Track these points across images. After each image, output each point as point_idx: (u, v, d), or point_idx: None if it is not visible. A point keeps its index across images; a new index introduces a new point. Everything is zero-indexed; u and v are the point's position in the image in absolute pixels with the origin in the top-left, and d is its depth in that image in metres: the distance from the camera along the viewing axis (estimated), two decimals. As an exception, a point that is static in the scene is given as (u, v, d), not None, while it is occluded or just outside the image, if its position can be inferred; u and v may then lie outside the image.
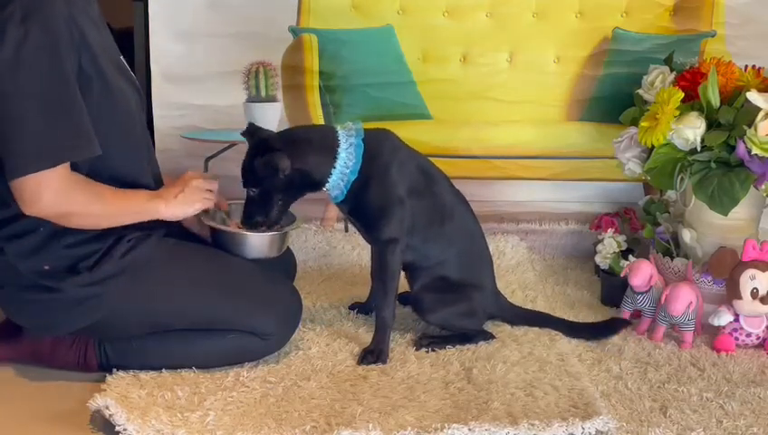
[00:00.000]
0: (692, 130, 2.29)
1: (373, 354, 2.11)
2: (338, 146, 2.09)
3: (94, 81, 1.88)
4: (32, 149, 1.80)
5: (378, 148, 2.13)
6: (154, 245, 1.99)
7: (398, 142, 2.19)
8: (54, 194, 1.83)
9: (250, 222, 2.11)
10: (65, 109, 1.82)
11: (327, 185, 2.11)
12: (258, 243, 2.14)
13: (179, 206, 2.00)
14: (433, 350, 2.17)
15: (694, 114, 2.31)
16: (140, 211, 1.97)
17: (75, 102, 1.83)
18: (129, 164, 1.99)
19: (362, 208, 2.14)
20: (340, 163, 2.08)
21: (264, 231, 2.13)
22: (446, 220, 2.22)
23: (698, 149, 2.30)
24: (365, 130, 2.14)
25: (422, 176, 2.19)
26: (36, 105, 1.79)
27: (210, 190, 2.06)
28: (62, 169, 1.83)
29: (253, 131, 2.14)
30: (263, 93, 2.74)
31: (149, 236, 1.99)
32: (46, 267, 1.92)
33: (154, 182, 2.07)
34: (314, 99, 2.77)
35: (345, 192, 2.11)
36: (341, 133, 2.12)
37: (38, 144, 1.80)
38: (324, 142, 2.11)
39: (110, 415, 1.80)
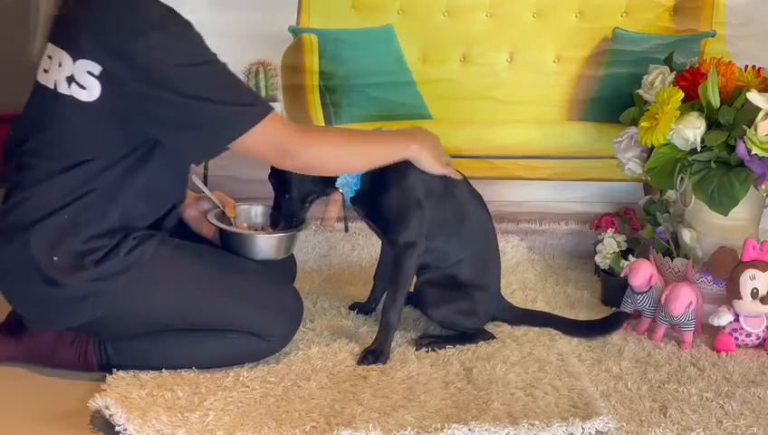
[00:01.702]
0: (692, 131, 2.29)
1: (374, 355, 2.11)
2: None
3: None
4: (244, 103, 1.90)
5: None
6: (158, 244, 1.99)
7: None
8: (290, 135, 1.92)
9: (276, 221, 2.16)
10: (232, 74, 1.94)
11: (338, 182, 2.13)
12: (267, 244, 2.15)
13: (430, 157, 2.09)
14: (433, 350, 2.17)
15: (694, 114, 2.31)
16: (389, 145, 2.06)
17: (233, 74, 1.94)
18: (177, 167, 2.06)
19: (380, 211, 2.16)
20: None
21: (271, 232, 2.15)
22: (465, 220, 2.22)
23: (698, 149, 2.31)
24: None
25: (440, 177, 2.18)
26: (215, 76, 1.90)
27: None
28: (280, 117, 1.93)
29: None
30: (263, 93, 2.74)
31: (154, 236, 2.00)
32: (55, 259, 1.91)
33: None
34: (314, 99, 2.77)
35: (354, 190, 2.13)
36: None
37: (246, 98, 1.91)
38: None
39: (110, 415, 1.80)
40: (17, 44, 3.38)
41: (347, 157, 2.03)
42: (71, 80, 1.90)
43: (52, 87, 1.92)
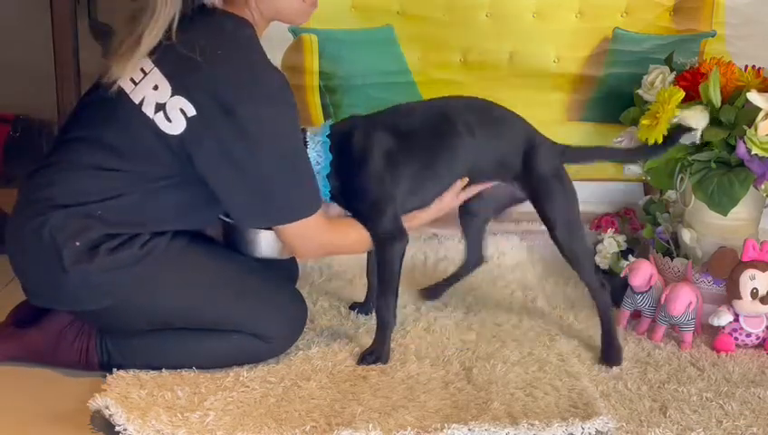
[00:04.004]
0: (695, 121, 2.28)
1: (373, 355, 2.11)
2: (306, 147, 2.10)
3: None
4: (299, 198, 1.99)
5: (349, 139, 2.12)
6: (168, 241, 1.99)
7: (366, 125, 2.15)
8: (321, 234, 2.03)
9: None
10: (308, 163, 2.03)
11: None
12: (271, 241, 2.14)
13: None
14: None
15: (699, 107, 2.30)
16: None
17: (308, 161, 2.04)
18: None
19: (355, 204, 2.15)
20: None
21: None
22: (435, 159, 2.17)
23: (697, 142, 2.30)
24: (335, 124, 2.16)
25: (401, 141, 2.14)
26: (293, 161, 1.97)
27: None
28: (323, 217, 2.02)
29: None
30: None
31: (164, 233, 2.00)
32: (77, 243, 1.92)
33: None
34: (314, 99, 2.77)
35: (327, 190, 2.12)
36: (309, 135, 2.12)
37: (303, 194, 1.99)
38: None
39: (110, 415, 1.81)
40: (18, 48, 3.40)
41: (354, 247, 2.18)
42: (160, 107, 1.91)
43: (136, 102, 1.93)
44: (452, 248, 2.75)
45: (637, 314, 2.35)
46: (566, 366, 2.10)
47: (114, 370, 2.01)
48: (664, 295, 2.24)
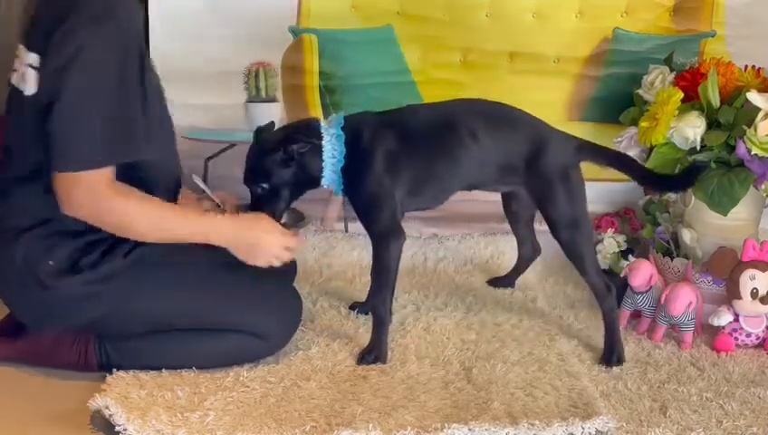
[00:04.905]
0: (692, 129, 2.29)
1: (372, 354, 2.12)
2: (321, 139, 2.10)
3: (151, 77, 1.93)
4: (78, 148, 1.81)
5: (359, 135, 2.12)
6: (156, 243, 1.99)
7: (374, 124, 2.16)
8: (87, 195, 1.83)
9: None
10: (123, 111, 1.83)
11: (323, 180, 2.12)
12: None
13: (237, 251, 2.00)
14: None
15: (694, 113, 2.31)
16: (192, 229, 1.96)
17: (131, 104, 1.84)
18: (166, 162, 2.02)
19: (356, 199, 2.15)
20: (326, 155, 2.09)
21: None
22: (435, 160, 2.17)
23: (698, 148, 2.31)
24: (347, 117, 2.16)
25: (405, 143, 2.14)
26: (95, 105, 1.81)
27: (288, 249, 2.04)
28: (104, 172, 1.83)
29: (258, 131, 2.17)
30: (263, 94, 2.74)
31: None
32: (51, 263, 1.91)
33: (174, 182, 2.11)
34: (314, 99, 2.77)
35: (340, 183, 2.12)
36: (323, 126, 2.13)
37: (86, 144, 1.81)
38: (309, 137, 2.10)
39: (110, 415, 1.81)
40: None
41: (135, 228, 1.92)
42: (22, 75, 1.89)
43: (18, 87, 1.91)
44: (452, 248, 2.76)
45: (637, 314, 2.35)
46: (566, 366, 2.10)
47: (114, 370, 2.01)
48: (664, 295, 2.24)
